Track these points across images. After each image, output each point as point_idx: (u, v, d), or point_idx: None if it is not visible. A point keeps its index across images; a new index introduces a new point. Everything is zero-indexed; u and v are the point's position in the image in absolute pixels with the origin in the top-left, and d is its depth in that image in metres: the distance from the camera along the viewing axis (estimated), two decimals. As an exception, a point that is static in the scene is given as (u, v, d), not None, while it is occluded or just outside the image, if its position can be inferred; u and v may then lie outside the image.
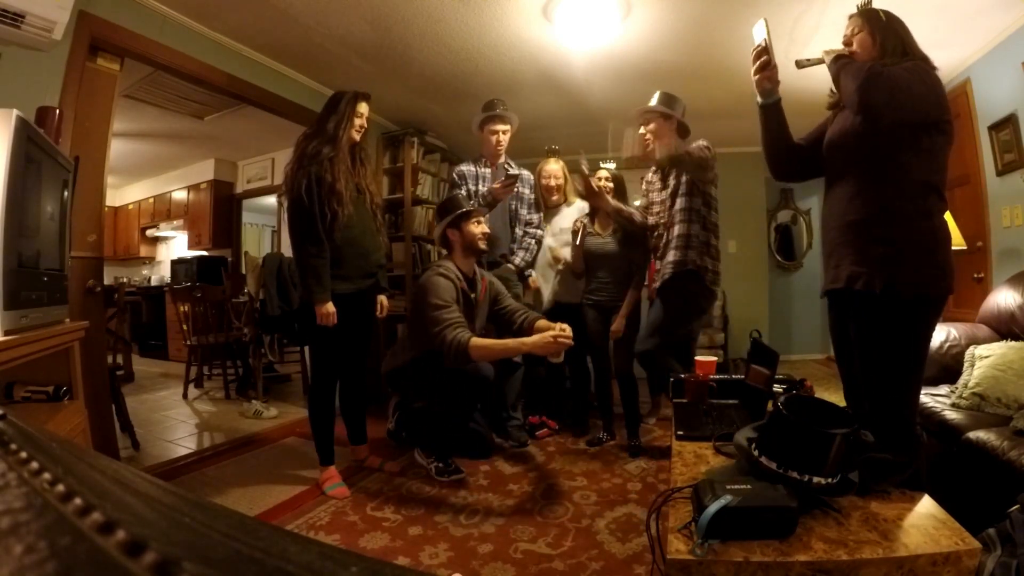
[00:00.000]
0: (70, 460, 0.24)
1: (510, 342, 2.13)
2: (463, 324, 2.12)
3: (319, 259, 2.07)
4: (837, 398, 1.58)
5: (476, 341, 2.08)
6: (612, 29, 2.61)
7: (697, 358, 2.27)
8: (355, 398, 2.47)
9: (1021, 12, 2.41)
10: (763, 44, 1.55)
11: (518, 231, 2.92)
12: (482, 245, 2.37)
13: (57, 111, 1.89)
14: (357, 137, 2.22)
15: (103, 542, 0.17)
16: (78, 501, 0.19)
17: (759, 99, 1.63)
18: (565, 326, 2.09)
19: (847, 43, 1.49)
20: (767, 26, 1.53)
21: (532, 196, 2.97)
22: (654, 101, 2.45)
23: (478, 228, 2.36)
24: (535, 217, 2.96)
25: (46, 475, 0.21)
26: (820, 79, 1.65)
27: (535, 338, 2.06)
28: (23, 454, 0.22)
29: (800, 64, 1.57)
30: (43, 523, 0.17)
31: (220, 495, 2.19)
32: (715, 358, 2.32)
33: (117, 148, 4.67)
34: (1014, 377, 1.94)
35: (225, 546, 0.20)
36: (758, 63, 1.57)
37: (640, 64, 2.37)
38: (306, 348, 3.77)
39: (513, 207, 2.91)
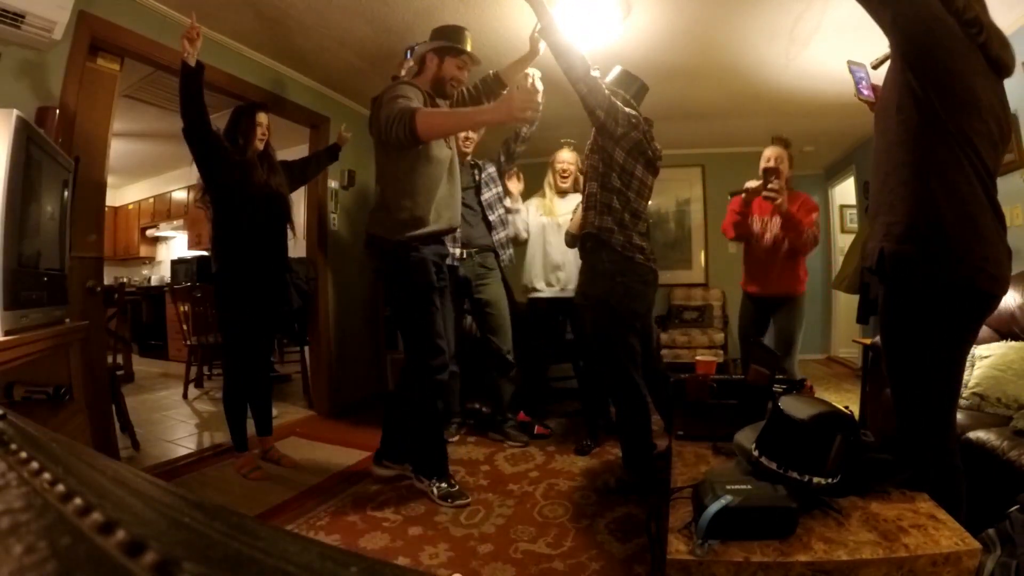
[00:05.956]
0: (70, 460, 0.24)
1: (467, 110, 1.96)
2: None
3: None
4: (837, 398, 1.58)
5: (424, 109, 1.84)
6: (612, 29, 2.61)
7: (697, 358, 2.28)
8: (262, 389, 2.58)
9: (1021, 12, 2.40)
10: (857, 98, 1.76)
11: (492, 216, 2.91)
12: (450, 90, 2.11)
13: (57, 111, 1.89)
14: (260, 146, 2.41)
15: (103, 542, 0.17)
16: (78, 501, 0.19)
17: None
18: (534, 73, 2.02)
19: None
20: (848, 66, 1.74)
21: (499, 191, 2.99)
22: (611, 76, 2.27)
23: (460, 71, 2.09)
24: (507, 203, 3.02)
25: (46, 475, 0.21)
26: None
27: (487, 106, 1.90)
28: (23, 454, 0.22)
29: (875, 65, 1.67)
30: (43, 523, 0.17)
31: (220, 495, 2.19)
32: (715, 358, 2.32)
33: (117, 148, 4.66)
34: (1014, 377, 1.93)
35: (225, 546, 0.20)
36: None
37: (640, 64, 2.37)
38: (306, 348, 3.78)
39: (483, 198, 2.92)
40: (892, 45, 1.22)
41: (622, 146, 2.09)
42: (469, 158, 2.92)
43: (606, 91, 2.04)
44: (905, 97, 1.18)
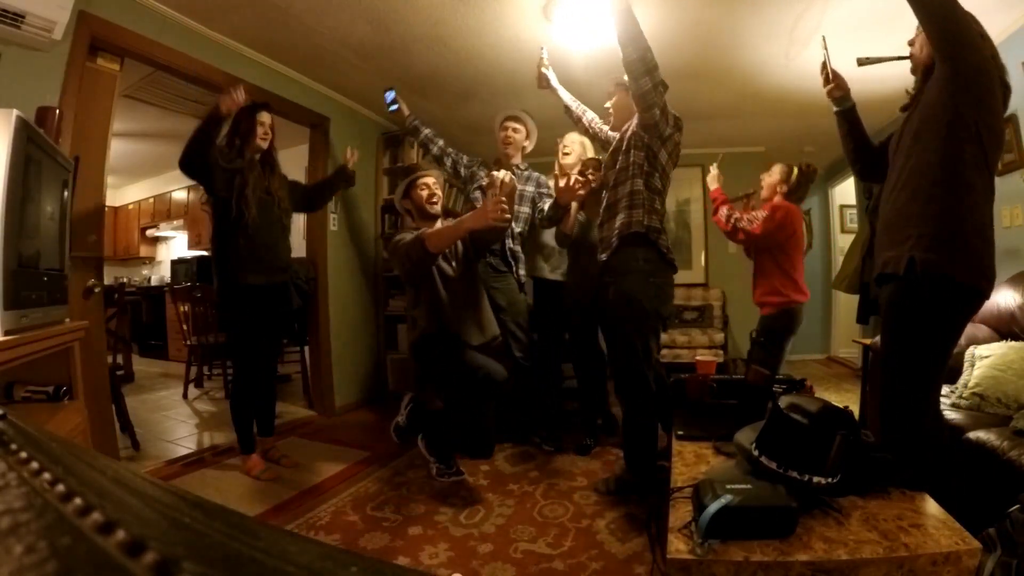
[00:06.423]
0: (70, 460, 0.24)
1: (453, 222, 2.13)
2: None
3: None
4: (837, 398, 1.59)
5: (428, 231, 2.13)
6: (612, 29, 2.60)
7: (697, 358, 2.28)
8: (267, 391, 2.60)
9: (1021, 12, 2.40)
10: (822, 60, 1.74)
11: (515, 227, 2.84)
12: (433, 209, 2.37)
13: (57, 111, 1.89)
14: (264, 145, 2.44)
15: (103, 542, 0.17)
16: (78, 501, 0.19)
17: (833, 107, 1.79)
18: (503, 177, 2.13)
19: (912, 43, 1.58)
20: (823, 42, 1.72)
21: (534, 194, 2.91)
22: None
23: (425, 192, 2.37)
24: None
25: (46, 475, 0.21)
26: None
27: (468, 215, 2.07)
28: (23, 454, 0.22)
29: (861, 62, 1.70)
30: (43, 523, 0.17)
31: (220, 495, 2.19)
32: (715, 358, 2.32)
33: (117, 148, 4.66)
34: (1014, 377, 1.93)
35: (225, 546, 0.20)
36: (822, 78, 1.77)
37: (640, 64, 2.38)
38: (306, 348, 3.78)
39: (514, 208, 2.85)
40: (951, 83, 1.38)
41: (667, 148, 2.08)
42: (515, 161, 2.89)
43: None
44: (960, 130, 1.37)
